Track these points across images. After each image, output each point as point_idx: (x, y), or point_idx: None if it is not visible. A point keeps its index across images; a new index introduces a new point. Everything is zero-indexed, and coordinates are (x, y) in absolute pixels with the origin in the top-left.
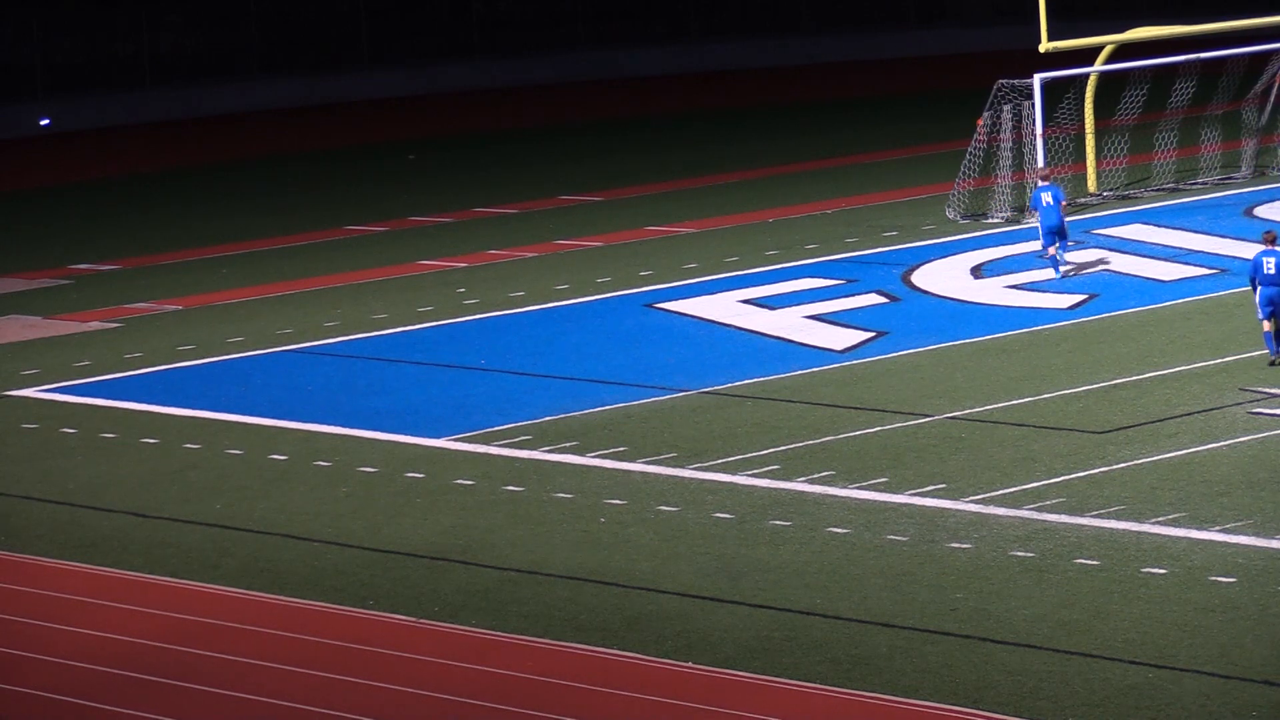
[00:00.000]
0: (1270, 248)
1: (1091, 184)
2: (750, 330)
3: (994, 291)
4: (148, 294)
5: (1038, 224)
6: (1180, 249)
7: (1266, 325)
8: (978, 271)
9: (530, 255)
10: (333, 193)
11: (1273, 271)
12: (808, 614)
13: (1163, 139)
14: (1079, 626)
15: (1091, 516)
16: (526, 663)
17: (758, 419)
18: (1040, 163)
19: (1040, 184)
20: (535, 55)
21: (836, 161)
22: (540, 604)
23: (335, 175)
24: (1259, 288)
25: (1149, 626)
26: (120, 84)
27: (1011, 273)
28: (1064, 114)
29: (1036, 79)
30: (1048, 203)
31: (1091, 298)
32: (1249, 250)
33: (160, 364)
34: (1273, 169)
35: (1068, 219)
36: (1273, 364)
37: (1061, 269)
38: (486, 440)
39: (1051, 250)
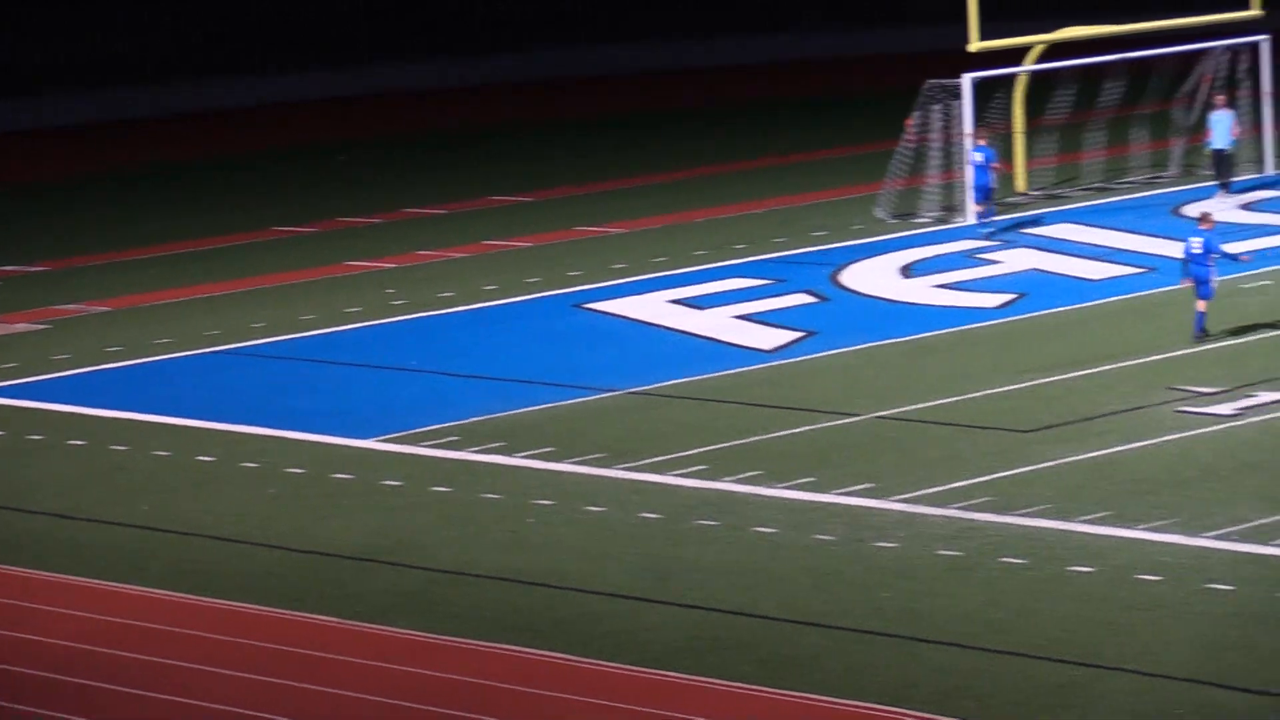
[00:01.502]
0: (1199, 227)
1: (1021, 183)
2: (679, 330)
3: (923, 291)
4: (75, 295)
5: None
6: (1108, 248)
7: (1201, 305)
8: (907, 271)
9: (459, 256)
10: (261, 194)
11: (1198, 251)
12: (735, 614)
13: (1092, 138)
14: (1005, 625)
15: (1018, 515)
16: (454, 664)
17: (686, 419)
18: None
19: (975, 144)
20: (462, 57)
21: (765, 162)
22: (468, 605)
23: (264, 176)
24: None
25: (1075, 625)
26: (45, 87)
27: (940, 272)
28: (993, 114)
29: (966, 79)
30: (978, 162)
31: (1020, 297)
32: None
33: (88, 365)
34: (1200, 168)
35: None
36: (1197, 340)
37: (983, 233)
38: (415, 441)
39: (979, 207)
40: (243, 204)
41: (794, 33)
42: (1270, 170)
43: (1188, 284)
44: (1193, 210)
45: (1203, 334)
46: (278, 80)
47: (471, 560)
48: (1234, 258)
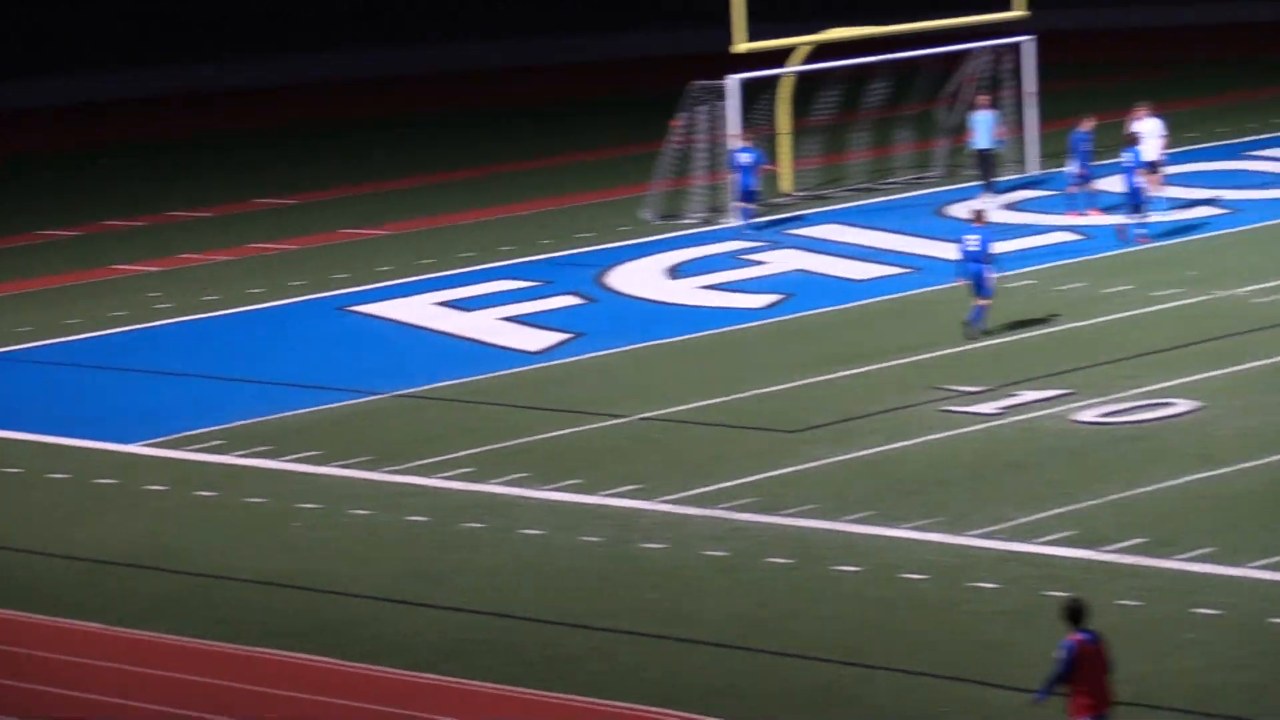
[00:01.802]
0: (974, 224)
1: (786, 184)
2: (445, 332)
3: (689, 292)
4: None
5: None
6: (874, 248)
7: (981, 301)
8: (673, 272)
9: (224, 259)
10: (23, 198)
11: (974, 249)
12: (502, 616)
13: (857, 139)
14: (772, 625)
15: (784, 515)
16: (219, 668)
17: (453, 421)
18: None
19: (740, 145)
20: (228, 60)
21: (532, 164)
22: (232, 609)
23: (26, 180)
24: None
25: (841, 624)
26: None
27: (707, 273)
28: (759, 115)
29: (731, 80)
30: (744, 163)
31: (786, 297)
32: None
33: None
34: (965, 168)
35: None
36: (971, 337)
37: (746, 224)
38: (179, 445)
39: (740, 205)
40: (3, 209)
41: (559, 35)
42: (1033, 170)
43: (963, 283)
44: (959, 210)
45: (981, 330)
46: (35, 85)
47: (237, 565)
48: (991, 266)
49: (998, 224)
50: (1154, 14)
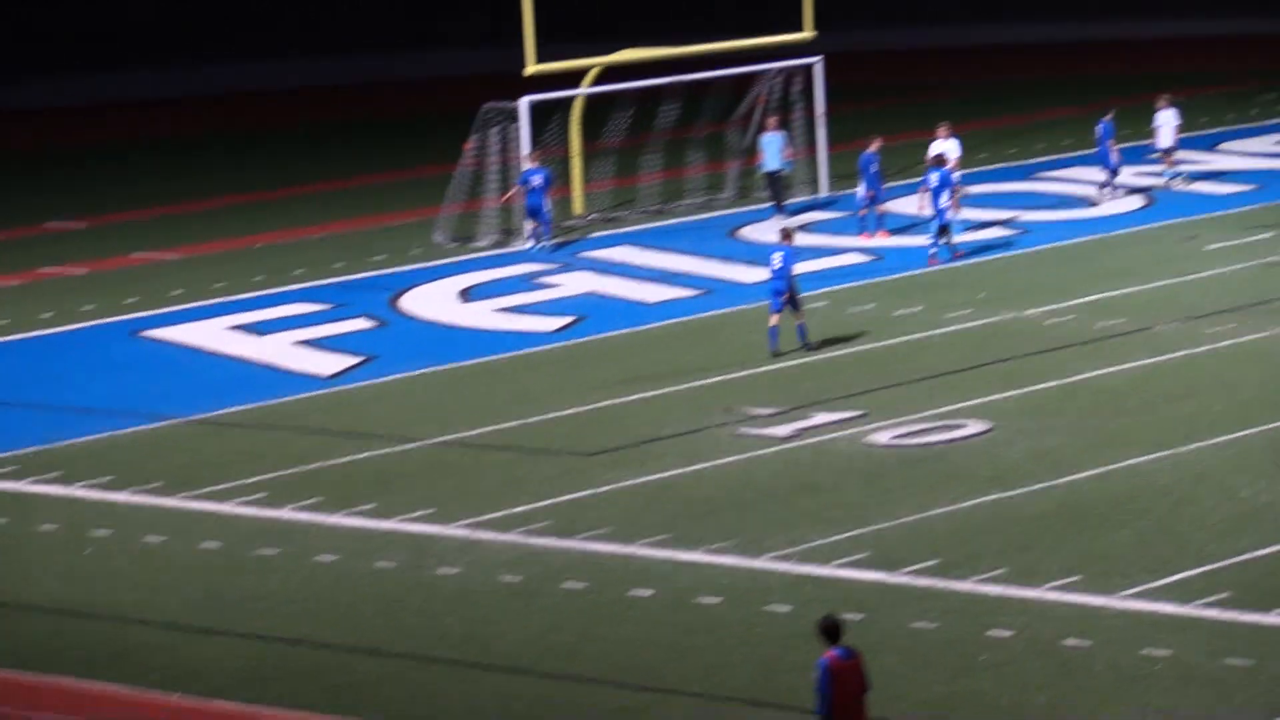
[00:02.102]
0: (782, 243)
1: (578, 206)
2: (238, 357)
3: (482, 315)
4: None
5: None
6: (666, 270)
7: (773, 319)
8: (466, 295)
9: (13, 284)
10: None
11: (779, 266)
12: (297, 642)
13: (648, 161)
14: (567, 649)
15: (579, 539)
16: (9, 697)
17: (246, 446)
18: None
19: (530, 166)
20: (23, 80)
21: (325, 186)
22: (22, 638)
23: None
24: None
25: (636, 648)
26: None
27: (500, 296)
28: (551, 136)
29: (523, 102)
30: (536, 185)
31: (579, 320)
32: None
33: None
34: (756, 190)
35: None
36: (774, 354)
37: (539, 244)
38: None
39: (531, 225)
40: None
41: (349, 56)
42: (824, 192)
43: (771, 301)
44: (752, 231)
45: (806, 345)
46: None
47: (25, 593)
48: (793, 286)
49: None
50: (941, 35)
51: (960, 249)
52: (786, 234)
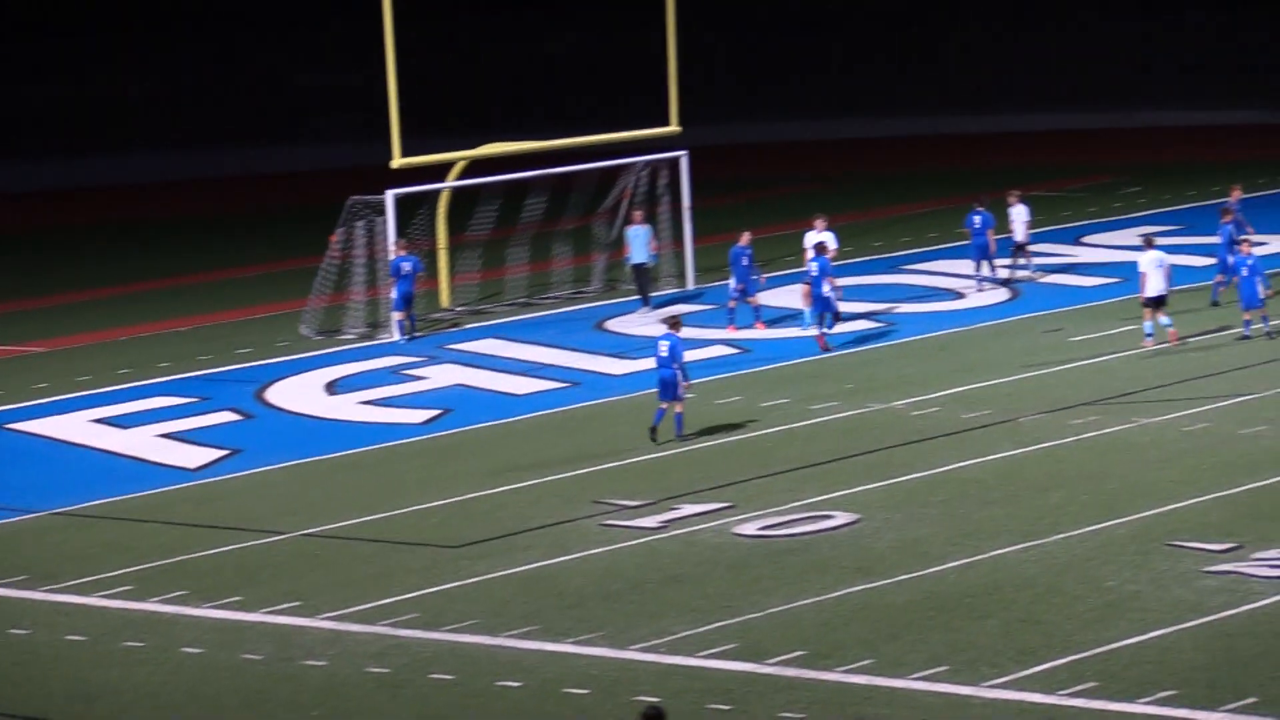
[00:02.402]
0: (667, 331)
1: (444, 299)
2: (102, 450)
3: (348, 407)
4: None
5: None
6: (533, 363)
7: (662, 405)
8: (332, 388)
9: None
10: None
11: (664, 354)
12: None
13: (515, 253)
14: None
15: (446, 631)
16: None
17: (111, 539)
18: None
19: (399, 254)
20: None
21: (191, 279)
22: None
23: None
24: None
25: None
26: None
27: (366, 389)
28: (418, 229)
29: (389, 195)
30: (406, 271)
31: (445, 413)
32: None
33: None
34: (622, 283)
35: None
36: (653, 438)
37: (405, 337)
38: None
39: (399, 315)
40: None
41: (218, 149)
42: (691, 284)
43: (664, 390)
44: (618, 324)
45: (679, 436)
46: None
47: None
48: (684, 373)
49: (653, 337)
50: (806, 130)
51: (828, 341)
52: (673, 322)
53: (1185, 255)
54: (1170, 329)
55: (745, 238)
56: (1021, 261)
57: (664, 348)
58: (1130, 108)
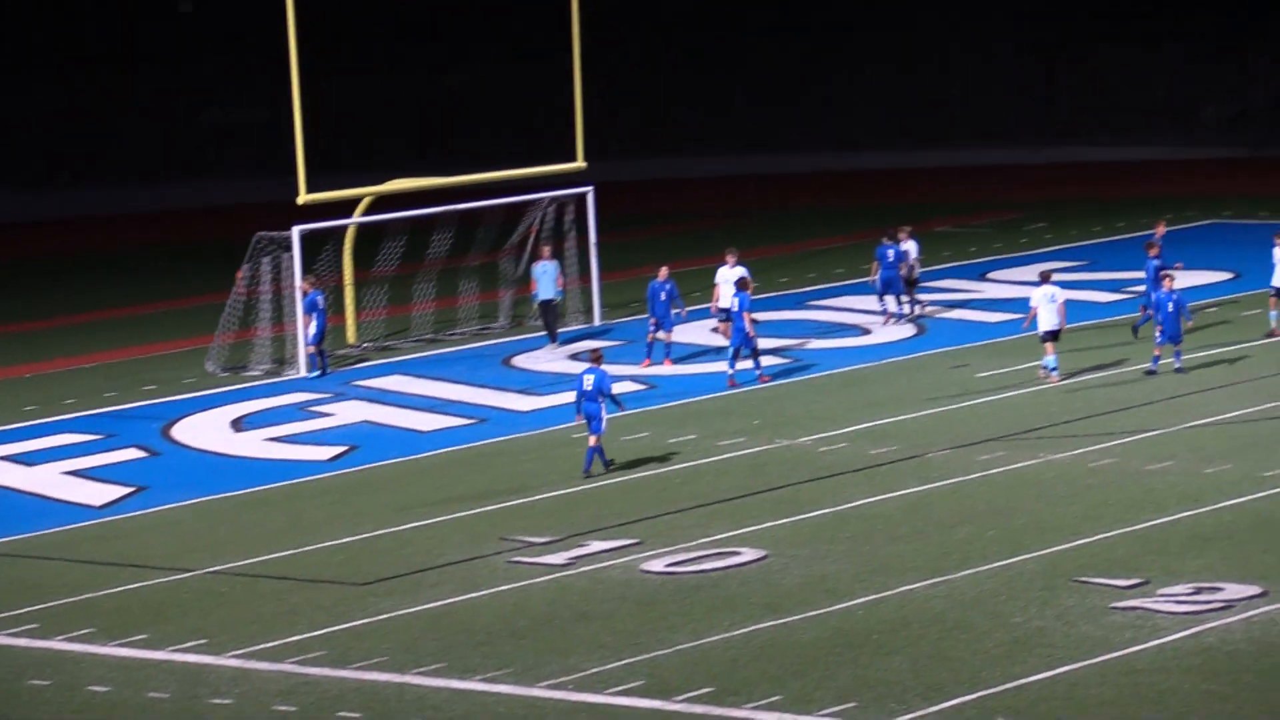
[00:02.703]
0: (591, 365)
1: (351, 335)
2: (7, 487)
3: (255, 444)
4: None
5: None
6: (440, 399)
7: (592, 440)
8: (238, 425)
9: None
10: None
11: (589, 388)
12: None
13: (421, 290)
14: None
15: (354, 669)
16: None
17: (15, 577)
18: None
19: (310, 290)
20: None
21: (96, 315)
22: None
23: None
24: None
25: None
26: None
27: (272, 425)
28: (324, 265)
29: (295, 231)
30: (321, 306)
31: (351, 449)
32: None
33: None
34: (529, 318)
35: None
36: (586, 475)
37: (318, 372)
38: None
39: (313, 349)
40: None
41: (123, 185)
42: (598, 320)
43: (581, 420)
44: (525, 360)
45: (596, 469)
46: None
47: None
48: (617, 402)
49: (558, 374)
50: (712, 166)
51: (734, 378)
52: (595, 356)
53: (1089, 291)
54: (1053, 373)
55: (663, 272)
56: (911, 298)
57: (588, 381)
58: (1037, 143)
